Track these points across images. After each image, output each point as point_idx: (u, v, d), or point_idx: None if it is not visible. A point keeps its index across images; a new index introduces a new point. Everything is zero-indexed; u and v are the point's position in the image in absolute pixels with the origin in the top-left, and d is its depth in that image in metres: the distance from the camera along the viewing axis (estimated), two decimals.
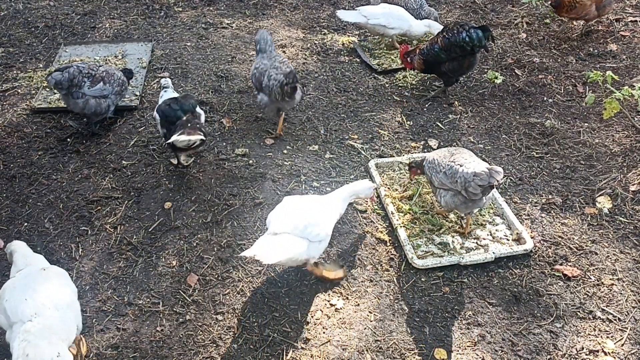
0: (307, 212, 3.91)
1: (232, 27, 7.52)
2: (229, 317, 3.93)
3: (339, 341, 3.79)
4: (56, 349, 3.14)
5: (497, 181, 3.99)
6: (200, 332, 3.83)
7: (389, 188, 4.94)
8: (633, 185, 4.98)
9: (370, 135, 5.63)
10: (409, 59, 6.13)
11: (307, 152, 5.42)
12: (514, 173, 5.17)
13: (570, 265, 4.30)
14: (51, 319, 3.26)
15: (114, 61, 6.64)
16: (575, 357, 3.70)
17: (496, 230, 4.54)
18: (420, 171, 4.59)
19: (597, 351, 3.74)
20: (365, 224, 4.63)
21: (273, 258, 3.59)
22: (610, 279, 4.20)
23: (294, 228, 3.79)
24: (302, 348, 3.74)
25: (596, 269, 4.28)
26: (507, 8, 7.93)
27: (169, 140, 4.67)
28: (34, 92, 6.14)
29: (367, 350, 3.73)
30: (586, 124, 5.79)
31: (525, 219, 4.69)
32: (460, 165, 4.14)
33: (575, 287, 4.14)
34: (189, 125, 4.74)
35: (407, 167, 4.90)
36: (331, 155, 5.37)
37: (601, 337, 3.82)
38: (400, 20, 6.71)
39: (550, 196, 4.91)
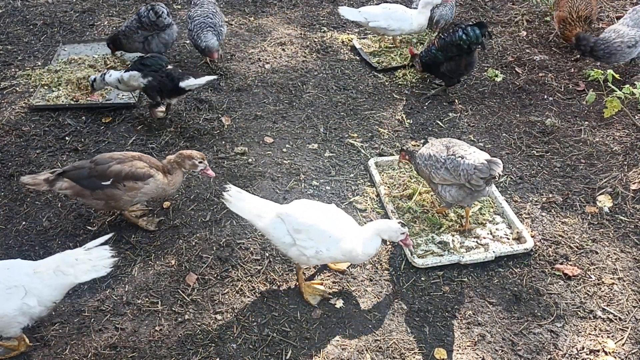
0: (321, 227, 3.74)
1: (231, 24, 7.49)
2: (228, 316, 3.91)
3: (338, 341, 3.77)
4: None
5: (498, 173, 4.00)
6: (199, 332, 3.81)
7: (388, 187, 4.91)
8: (634, 184, 4.96)
9: (370, 134, 5.61)
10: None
11: (307, 150, 5.39)
12: (514, 172, 5.15)
13: (570, 265, 4.28)
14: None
15: (113, 59, 6.62)
16: (575, 357, 3.69)
17: (496, 229, 4.52)
18: (409, 158, 4.56)
19: (598, 351, 3.72)
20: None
21: (234, 207, 3.88)
22: (610, 278, 4.18)
23: (289, 223, 3.77)
24: (301, 347, 3.72)
25: (597, 268, 4.26)
26: (507, 6, 7.90)
27: (183, 84, 5.29)
28: (32, 90, 6.12)
29: (366, 350, 3.71)
30: (587, 123, 5.77)
31: (526, 218, 4.67)
32: (462, 158, 4.12)
33: (576, 287, 4.13)
34: (186, 72, 5.43)
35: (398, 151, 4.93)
36: (331, 154, 5.35)
37: (602, 336, 3.81)
38: (401, 21, 6.63)
39: (550, 195, 4.90)
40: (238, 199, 3.91)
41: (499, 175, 4.03)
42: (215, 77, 5.56)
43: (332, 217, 3.85)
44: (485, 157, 4.09)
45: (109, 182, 4.17)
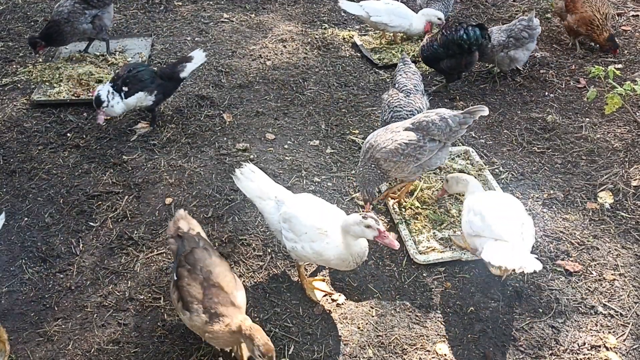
0: (302, 222, 3.71)
1: (232, 21, 7.49)
2: None
3: (340, 336, 3.78)
4: None
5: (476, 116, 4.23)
6: None
7: (390, 183, 4.92)
8: (634, 180, 4.97)
9: (372, 130, 5.60)
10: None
11: (308, 147, 5.40)
12: (515, 168, 5.16)
13: (571, 261, 4.29)
14: None
15: (113, 57, 6.62)
16: (577, 353, 3.70)
17: None
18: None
19: (599, 346, 3.73)
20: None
21: (241, 186, 4.00)
22: (612, 274, 4.20)
23: (281, 209, 3.82)
24: (303, 343, 3.73)
25: (598, 264, 4.28)
26: (508, 2, 7.90)
27: (185, 74, 5.46)
28: (33, 86, 6.12)
29: (368, 346, 3.73)
30: (588, 119, 5.78)
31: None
32: (442, 118, 4.18)
33: (577, 282, 4.14)
34: (174, 63, 5.60)
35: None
36: (332, 150, 5.36)
37: (603, 332, 3.82)
38: (402, 18, 6.67)
39: (551, 191, 4.91)
40: (247, 179, 3.99)
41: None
42: (205, 52, 5.68)
43: (324, 217, 3.73)
44: (446, 111, 4.27)
45: (176, 279, 3.53)
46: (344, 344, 3.73)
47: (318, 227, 3.67)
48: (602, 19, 6.42)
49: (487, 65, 6.45)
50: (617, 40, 6.53)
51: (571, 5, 6.65)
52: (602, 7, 6.46)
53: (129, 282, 4.13)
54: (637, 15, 7.48)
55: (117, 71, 5.61)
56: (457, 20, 5.92)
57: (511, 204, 4.02)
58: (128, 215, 4.63)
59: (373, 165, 4.31)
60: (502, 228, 3.76)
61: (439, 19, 6.55)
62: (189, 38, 7.08)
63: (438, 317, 3.91)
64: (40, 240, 4.44)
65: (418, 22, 6.73)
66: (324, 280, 4.12)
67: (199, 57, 5.48)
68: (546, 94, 6.18)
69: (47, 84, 6.11)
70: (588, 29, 6.54)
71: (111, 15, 6.55)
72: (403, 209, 4.64)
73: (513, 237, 3.73)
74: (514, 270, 3.62)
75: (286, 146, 5.40)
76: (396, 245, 3.56)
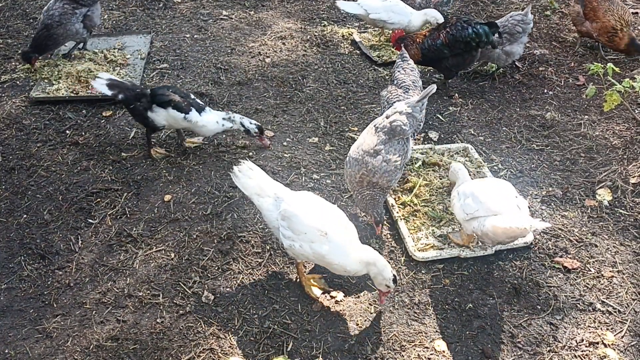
0: (302, 221, 3.69)
1: (231, 18, 7.49)
2: (230, 309, 3.93)
3: (339, 333, 3.79)
4: None
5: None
6: (201, 324, 3.83)
7: None
8: (633, 177, 4.98)
9: None
10: (402, 45, 5.96)
11: (307, 144, 5.40)
12: (514, 165, 5.17)
13: (570, 258, 4.30)
14: None
15: (113, 53, 6.62)
16: (575, 349, 3.71)
17: None
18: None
19: (597, 343, 3.74)
20: (364, 216, 4.62)
21: (239, 183, 3.98)
22: (610, 271, 4.20)
23: (279, 207, 3.79)
24: (302, 339, 3.74)
25: (596, 261, 4.28)
26: (508, 0, 7.89)
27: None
28: (32, 83, 6.12)
29: (367, 342, 3.73)
30: (586, 117, 5.78)
31: None
32: (410, 113, 4.21)
33: (575, 279, 4.15)
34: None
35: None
36: (331, 148, 5.36)
37: (601, 329, 3.83)
38: (401, 15, 6.67)
39: (550, 188, 4.91)
40: (246, 176, 3.98)
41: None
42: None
43: (324, 217, 3.72)
44: (403, 105, 4.28)
45: None
46: (343, 341, 3.74)
47: (318, 228, 3.66)
48: (624, 27, 6.26)
49: (482, 66, 6.43)
50: (638, 42, 6.35)
51: (591, 14, 6.46)
52: (624, 15, 6.31)
53: (128, 279, 4.13)
54: (637, 13, 7.47)
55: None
56: (460, 18, 5.87)
57: (500, 183, 4.11)
58: (127, 212, 4.63)
59: (373, 190, 4.24)
60: (497, 203, 3.84)
61: (437, 21, 6.51)
62: (188, 35, 7.07)
63: (436, 314, 3.91)
64: (39, 237, 4.45)
65: (417, 19, 6.71)
66: (322, 278, 4.12)
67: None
68: (545, 91, 6.18)
69: (45, 81, 6.10)
70: (608, 38, 6.38)
71: (99, 12, 6.48)
72: (402, 206, 4.64)
73: (510, 209, 3.80)
74: (525, 229, 3.67)
75: (285, 143, 5.40)
76: (384, 304, 3.92)
